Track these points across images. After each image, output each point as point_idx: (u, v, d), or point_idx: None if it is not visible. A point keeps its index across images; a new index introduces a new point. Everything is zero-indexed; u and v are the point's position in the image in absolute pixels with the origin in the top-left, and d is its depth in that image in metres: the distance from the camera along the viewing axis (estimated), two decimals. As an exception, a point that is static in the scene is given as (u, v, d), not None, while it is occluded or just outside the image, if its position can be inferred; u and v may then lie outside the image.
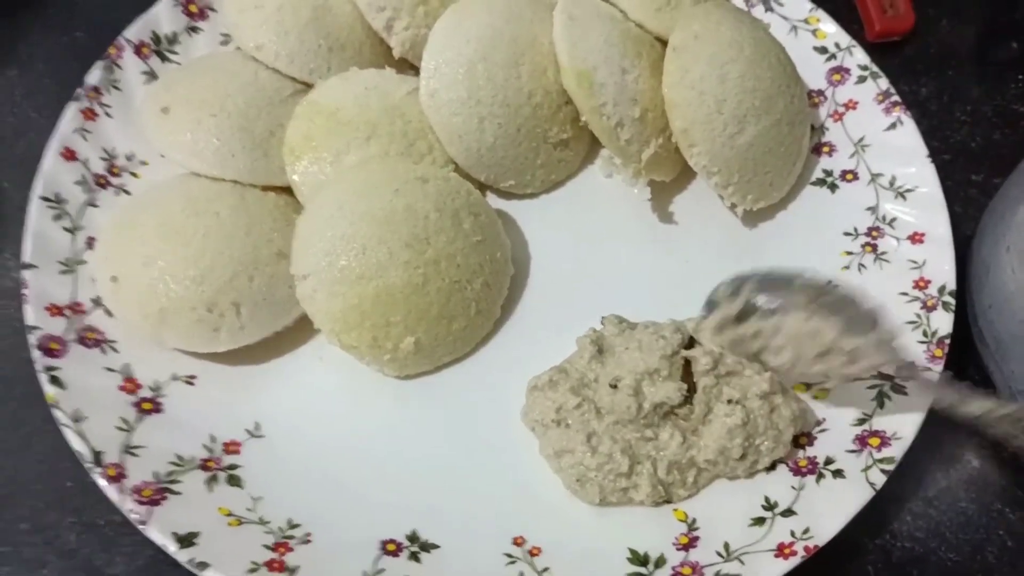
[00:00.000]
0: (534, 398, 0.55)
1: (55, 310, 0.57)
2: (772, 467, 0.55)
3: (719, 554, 0.52)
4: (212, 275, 0.56)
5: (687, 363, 0.55)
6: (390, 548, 0.53)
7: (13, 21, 0.75)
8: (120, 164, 0.63)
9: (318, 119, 0.61)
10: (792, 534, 0.52)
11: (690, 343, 0.55)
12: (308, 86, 0.64)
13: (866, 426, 0.55)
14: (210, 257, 0.56)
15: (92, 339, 0.57)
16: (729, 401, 0.53)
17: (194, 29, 0.69)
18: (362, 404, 0.58)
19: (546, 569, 0.52)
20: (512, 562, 0.53)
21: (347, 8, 0.65)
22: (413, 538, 0.53)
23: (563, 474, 0.54)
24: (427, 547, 0.53)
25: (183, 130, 0.60)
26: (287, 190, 0.62)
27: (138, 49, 0.66)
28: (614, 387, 0.53)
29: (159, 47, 0.67)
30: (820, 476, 0.54)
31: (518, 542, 0.53)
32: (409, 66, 0.67)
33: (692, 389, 0.55)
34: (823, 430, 0.56)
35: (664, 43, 0.62)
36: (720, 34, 0.60)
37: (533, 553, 0.53)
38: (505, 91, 0.61)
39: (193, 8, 0.69)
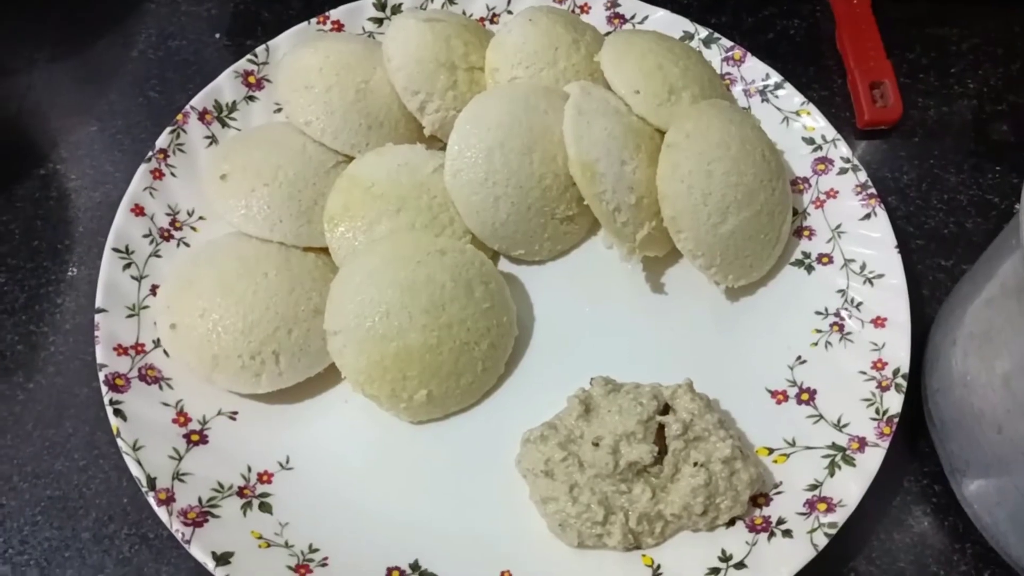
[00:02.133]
0: (527, 449, 0.62)
1: (121, 350, 0.64)
2: (731, 523, 0.60)
3: (678, 597, 0.58)
4: (258, 328, 0.63)
5: (661, 426, 0.61)
6: (395, 574, 0.59)
7: (98, 79, 0.83)
8: (182, 219, 0.71)
9: (355, 191, 0.68)
10: (742, 585, 0.58)
11: (665, 409, 0.62)
12: (349, 159, 0.71)
13: (816, 492, 0.60)
14: (258, 312, 0.63)
15: (152, 376, 0.64)
16: (695, 464, 0.59)
17: (251, 98, 0.76)
18: (379, 444, 0.64)
19: (528, 601, 0.59)
20: (499, 594, 0.59)
21: (386, 90, 0.73)
22: (415, 567, 0.59)
23: (548, 518, 0.60)
24: (426, 575, 0.59)
25: (239, 196, 0.67)
26: (326, 250, 0.68)
27: (202, 115, 0.74)
28: (596, 445, 0.59)
29: (220, 114, 0.75)
30: (772, 535, 0.59)
31: (505, 575, 0.59)
32: (438, 141, 0.74)
33: (664, 450, 0.60)
34: (779, 492, 0.61)
35: (663, 135, 0.68)
36: (710, 134, 0.67)
37: (518, 585, 0.59)
38: (519, 175, 0.68)
39: (251, 79, 0.76)
